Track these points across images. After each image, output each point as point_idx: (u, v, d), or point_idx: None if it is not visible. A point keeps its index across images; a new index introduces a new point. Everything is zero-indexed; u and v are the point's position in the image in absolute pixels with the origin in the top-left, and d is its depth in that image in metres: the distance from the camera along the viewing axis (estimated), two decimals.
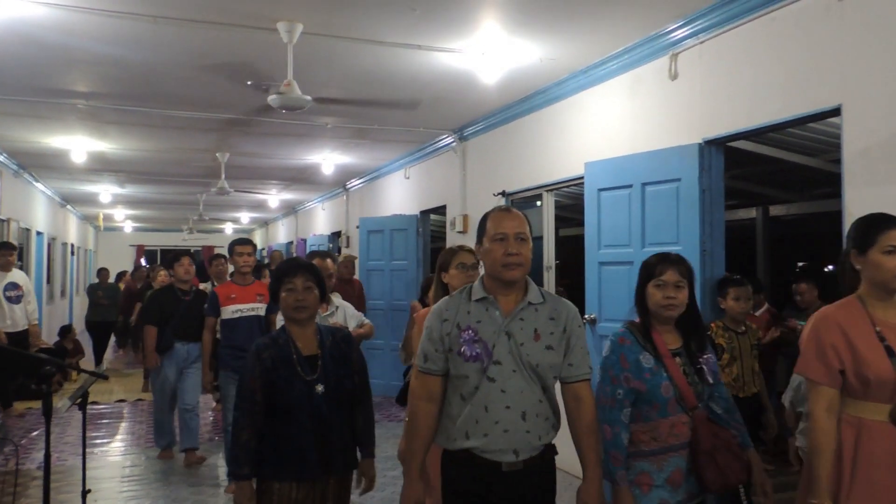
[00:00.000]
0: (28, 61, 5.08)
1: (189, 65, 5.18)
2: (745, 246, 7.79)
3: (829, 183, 6.73)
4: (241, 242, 5.46)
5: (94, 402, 8.15)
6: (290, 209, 16.44)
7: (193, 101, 6.24)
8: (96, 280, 12.31)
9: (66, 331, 10.69)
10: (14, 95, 6.02)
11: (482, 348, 2.23)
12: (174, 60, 5.07)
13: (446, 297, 2.43)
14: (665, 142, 4.42)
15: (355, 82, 5.59)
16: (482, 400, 2.23)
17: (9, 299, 7.14)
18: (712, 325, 4.11)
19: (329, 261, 4.55)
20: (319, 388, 2.64)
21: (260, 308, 5.24)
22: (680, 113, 4.38)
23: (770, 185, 7.54)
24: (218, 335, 5.34)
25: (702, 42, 4.18)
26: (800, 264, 9.78)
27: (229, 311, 5.19)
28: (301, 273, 2.75)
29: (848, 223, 3.29)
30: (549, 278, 6.00)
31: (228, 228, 22.42)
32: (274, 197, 13.80)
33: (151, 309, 5.95)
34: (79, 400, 3.49)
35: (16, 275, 7.41)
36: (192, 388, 5.77)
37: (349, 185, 11.56)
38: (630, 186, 4.53)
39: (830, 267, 9.72)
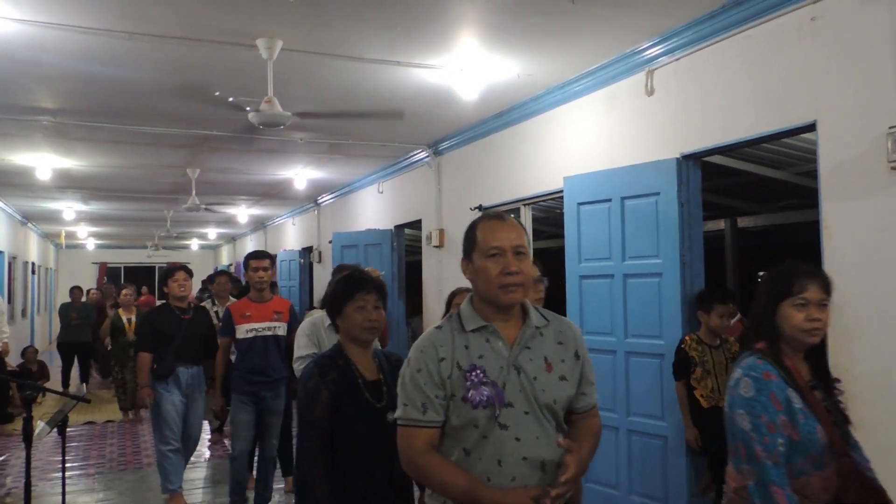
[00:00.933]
0: None
1: (164, 81, 5.11)
2: (715, 256, 7.94)
3: (796, 195, 6.92)
4: (257, 256, 4.97)
5: None
6: (260, 224, 16.28)
7: (167, 117, 6.15)
8: (68, 300, 11.70)
9: (25, 352, 10.36)
10: None
11: (492, 391, 1.83)
12: (149, 77, 5.00)
13: (432, 330, 1.97)
14: (642, 156, 4.49)
15: (334, 98, 5.58)
16: (494, 452, 1.82)
17: None
18: (686, 337, 4.16)
19: None
20: (391, 416, 2.29)
21: (278, 327, 4.83)
22: (657, 128, 4.46)
23: (738, 196, 7.70)
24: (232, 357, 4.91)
25: (677, 59, 4.27)
26: (761, 274, 10.00)
27: (243, 331, 4.74)
28: (374, 289, 2.47)
29: (825, 236, 3.39)
30: None
31: (195, 245, 22.11)
32: (243, 212, 13.66)
33: (145, 332, 5.16)
34: (58, 424, 3.40)
35: None
36: (197, 421, 5.25)
37: (320, 200, 11.50)
38: (609, 200, 4.59)
39: None
